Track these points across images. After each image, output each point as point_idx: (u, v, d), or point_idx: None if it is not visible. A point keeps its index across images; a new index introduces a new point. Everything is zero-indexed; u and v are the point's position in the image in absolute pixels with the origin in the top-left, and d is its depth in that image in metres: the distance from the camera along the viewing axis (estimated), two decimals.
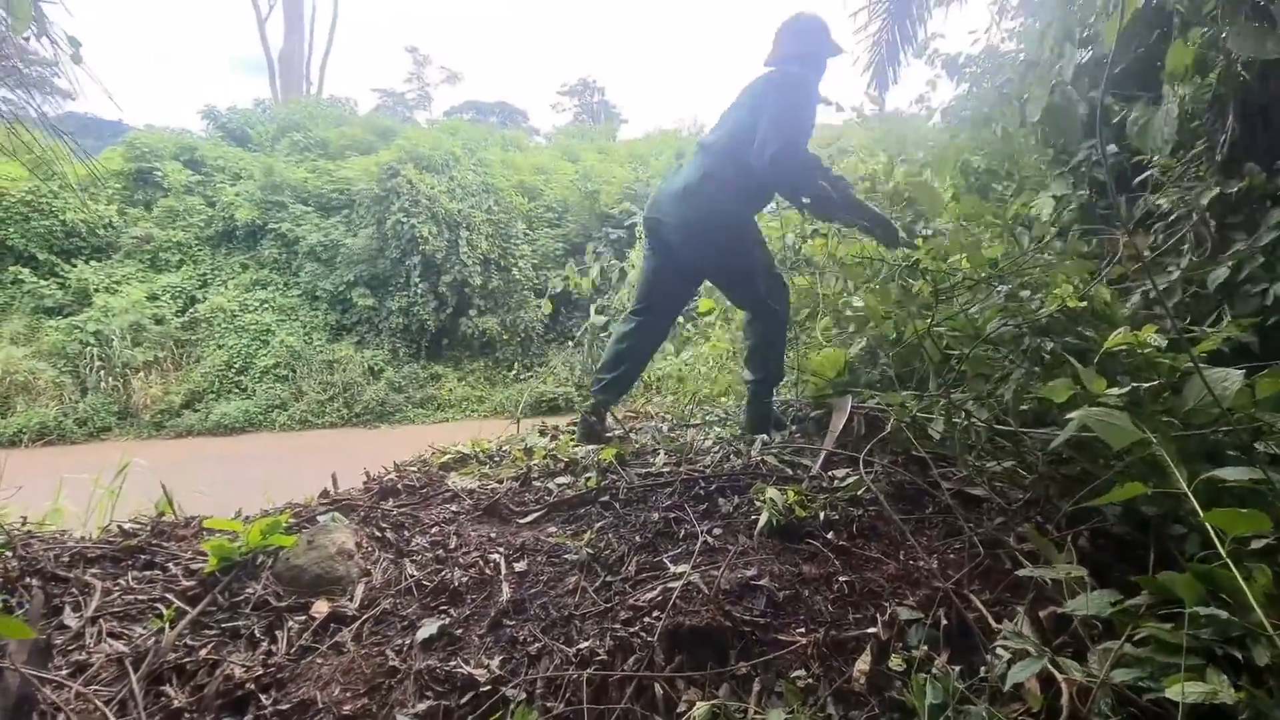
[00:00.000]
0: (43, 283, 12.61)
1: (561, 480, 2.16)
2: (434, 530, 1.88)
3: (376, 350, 13.87)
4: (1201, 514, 1.07)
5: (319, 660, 1.40)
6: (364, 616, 1.51)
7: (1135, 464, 1.41)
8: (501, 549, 1.74)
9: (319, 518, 1.89)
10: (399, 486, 2.25)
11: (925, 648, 1.30)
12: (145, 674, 1.33)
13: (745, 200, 2.47)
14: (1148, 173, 2.49)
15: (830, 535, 1.68)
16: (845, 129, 6.08)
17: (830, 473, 2.01)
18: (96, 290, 12.75)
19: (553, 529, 1.88)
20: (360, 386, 13.16)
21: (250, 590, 1.59)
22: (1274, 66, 2.05)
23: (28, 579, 1.59)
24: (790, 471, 2.08)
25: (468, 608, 1.54)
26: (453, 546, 1.78)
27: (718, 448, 2.36)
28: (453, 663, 1.35)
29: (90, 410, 11.81)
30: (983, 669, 1.21)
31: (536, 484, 2.17)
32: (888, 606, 1.43)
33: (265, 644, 1.44)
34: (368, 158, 14.84)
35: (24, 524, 2.01)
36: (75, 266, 12.88)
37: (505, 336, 14.42)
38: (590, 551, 1.66)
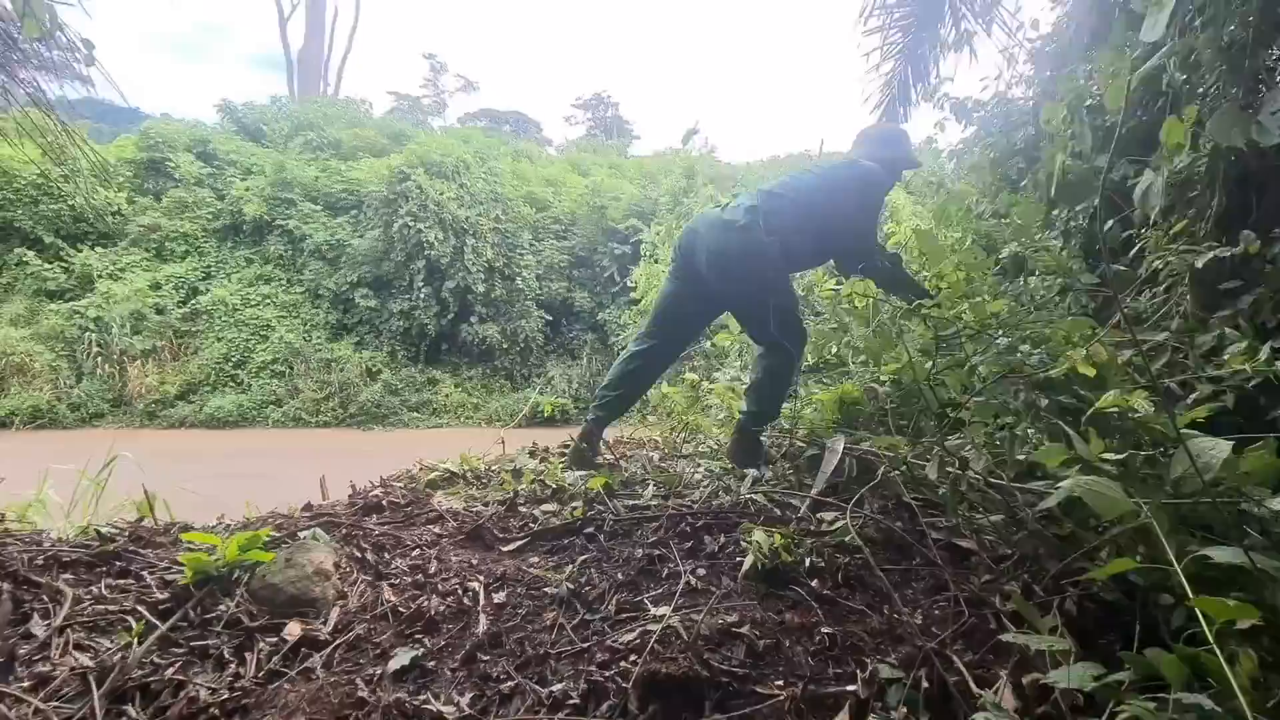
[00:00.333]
0: (47, 266, 12.64)
1: (548, 508, 2.14)
2: (415, 553, 1.86)
3: (375, 352, 13.87)
4: (1189, 594, 1.05)
5: (287, 686, 1.37)
6: (336, 642, 1.48)
7: (1125, 532, 1.40)
8: (481, 577, 1.72)
9: (301, 534, 1.87)
10: (384, 503, 2.23)
11: (905, 709, 1.28)
12: (109, 691, 1.30)
13: (784, 248, 2.45)
14: (1136, 235, 2.54)
15: (815, 583, 1.66)
16: None
17: (819, 515, 1.99)
18: (100, 276, 12.78)
19: (535, 559, 1.86)
20: (356, 387, 13.14)
21: (223, 607, 1.56)
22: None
23: None
24: (779, 512, 2.06)
25: (443, 638, 1.51)
26: (433, 572, 1.75)
27: (708, 482, 2.34)
28: (422, 696, 1.33)
29: (84, 396, 11.79)
30: None
31: (522, 509, 2.15)
32: (869, 663, 1.41)
33: (234, 665, 1.42)
34: (379, 160, 14.94)
35: (1, 521, 1.99)
36: (80, 251, 12.92)
37: (505, 345, 14.43)
38: (571, 587, 1.64)
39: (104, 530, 1.94)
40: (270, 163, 14.86)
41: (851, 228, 2.57)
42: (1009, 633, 1.40)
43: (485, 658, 1.44)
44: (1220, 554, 1.09)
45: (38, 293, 12.57)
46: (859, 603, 1.62)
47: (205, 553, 1.65)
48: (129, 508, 2.25)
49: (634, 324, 11.71)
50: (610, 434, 2.83)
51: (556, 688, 1.33)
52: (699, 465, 2.56)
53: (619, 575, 1.71)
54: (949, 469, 1.89)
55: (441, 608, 1.60)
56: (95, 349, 12.04)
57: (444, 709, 1.28)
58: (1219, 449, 1.27)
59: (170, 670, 1.36)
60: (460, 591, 1.65)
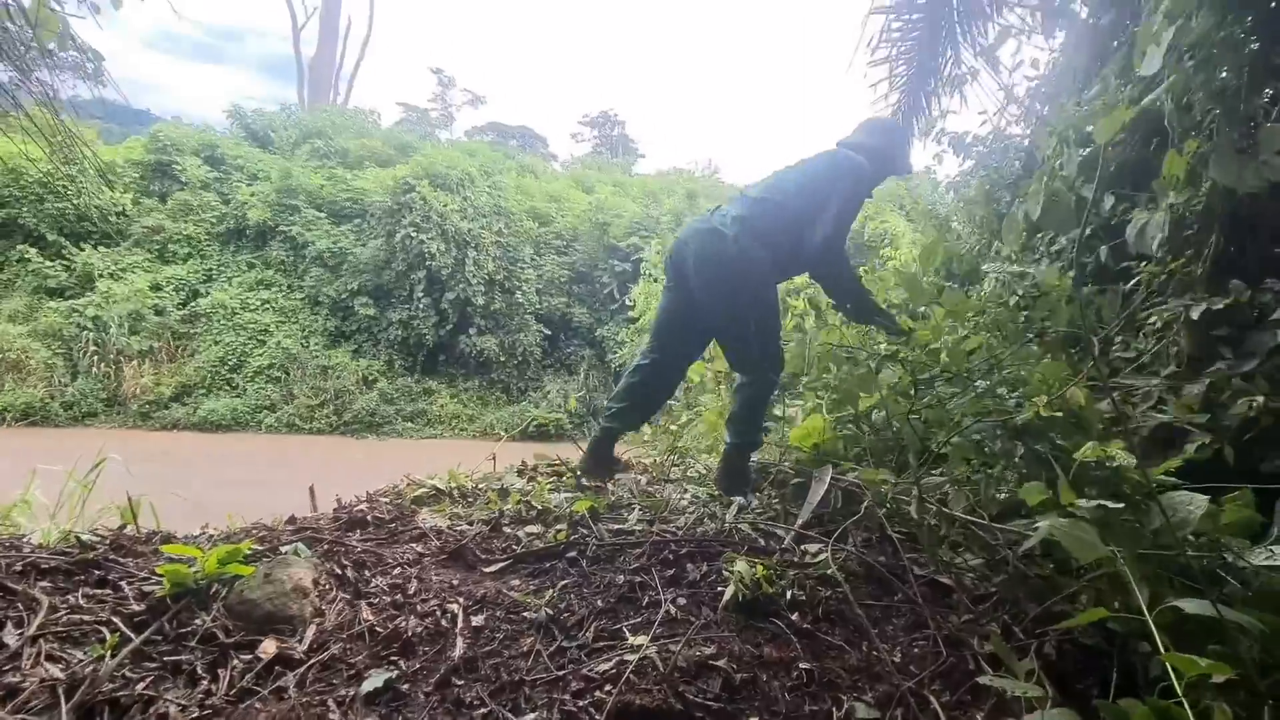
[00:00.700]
0: (48, 264, 12.67)
1: (532, 529, 2.14)
2: (396, 571, 1.85)
3: (373, 360, 13.87)
4: (1161, 648, 1.05)
5: (258, 705, 1.36)
6: (311, 661, 1.47)
7: (1103, 577, 1.40)
8: (461, 599, 1.71)
9: (283, 548, 1.86)
10: (368, 518, 2.22)
11: None
12: (77, 704, 1.29)
13: (773, 259, 2.40)
14: (1135, 267, 2.54)
15: (795, 616, 1.66)
16: None
17: (803, 546, 1.98)
18: (101, 275, 12.81)
19: (516, 581, 1.85)
20: (352, 395, 13.12)
21: (200, 621, 1.55)
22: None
23: None
24: (763, 542, 2.06)
25: (418, 660, 1.50)
26: (412, 592, 1.74)
27: (693, 508, 2.34)
28: None
29: (78, 395, 11.75)
30: None
31: (506, 530, 2.14)
32: (845, 700, 1.40)
33: (206, 682, 1.40)
34: (385, 170, 15.07)
35: None
36: (83, 250, 12.95)
37: (502, 358, 14.44)
38: (550, 612, 1.63)
39: (85, 538, 1.93)
40: (276, 169, 14.98)
41: (820, 215, 2.36)
42: (987, 675, 1.40)
43: (459, 682, 1.43)
44: (1190, 606, 1.10)
45: (37, 290, 12.59)
46: (838, 638, 1.61)
47: (184, 565, 1.64)
48: (113, 512, 2.24)
49: (631, 341, 11.74)
50: (618, 449, 2.82)
51: (529, 717, 1.32)
52: (686, 490, 2.56)
53: (599, 602, 1.71)
54: (929, 505, 1.89)
55: (419, 629, 1.59)
56: (92, 348, 12.03)
57: None
58: (1196, 503, 1.27)
59: (141, 685, 1.35)
60: (439, 613, 1.65)
